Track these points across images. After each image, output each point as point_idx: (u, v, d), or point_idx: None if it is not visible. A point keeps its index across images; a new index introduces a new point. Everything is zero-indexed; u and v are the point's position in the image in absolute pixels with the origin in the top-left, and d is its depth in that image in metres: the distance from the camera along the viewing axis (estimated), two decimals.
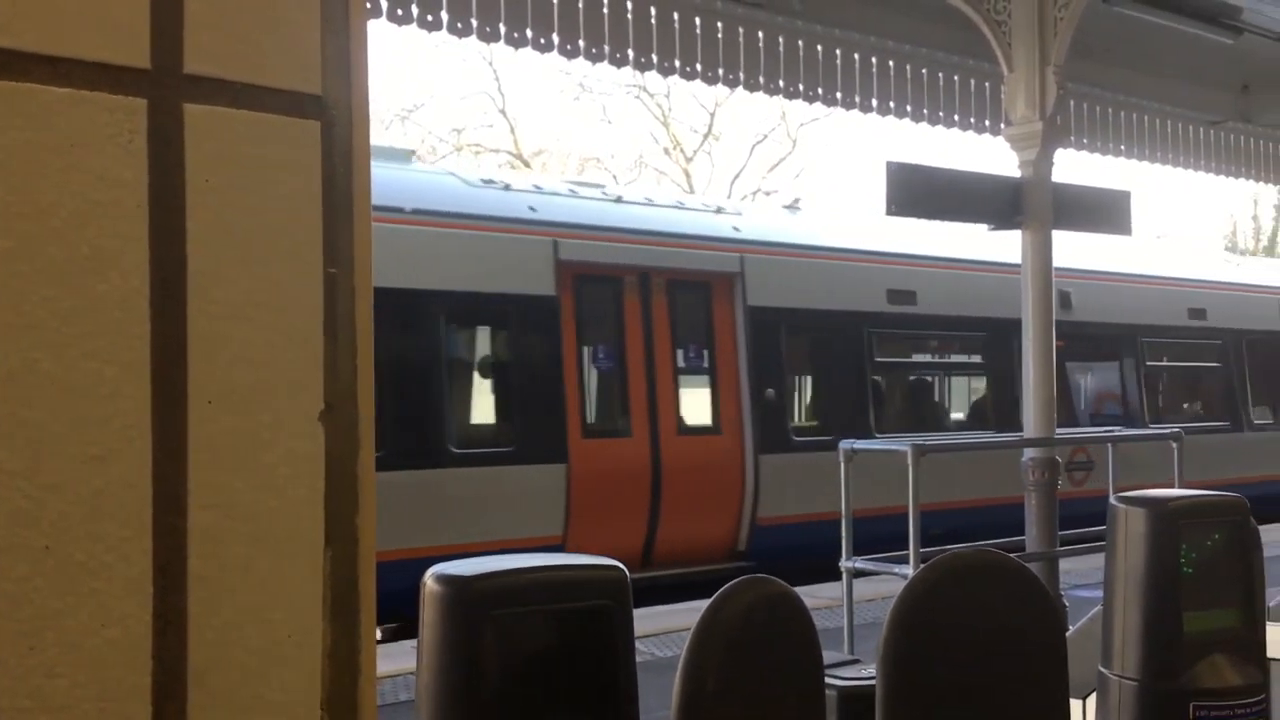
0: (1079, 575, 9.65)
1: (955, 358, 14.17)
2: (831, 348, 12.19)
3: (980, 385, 13.97)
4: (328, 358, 0.90)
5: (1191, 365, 16.23)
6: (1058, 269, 11.08)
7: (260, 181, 0.88)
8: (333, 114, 0.91)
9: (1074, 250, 13.60)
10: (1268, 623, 2.99)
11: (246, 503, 0.86)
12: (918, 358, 13.82)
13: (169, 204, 0.84)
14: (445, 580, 1.61)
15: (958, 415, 14.01)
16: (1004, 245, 9.96)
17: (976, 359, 13.83)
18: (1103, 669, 2.93)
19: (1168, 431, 9.10)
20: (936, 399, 14.00)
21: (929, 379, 14.02)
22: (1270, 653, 2.94)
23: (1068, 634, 3.31)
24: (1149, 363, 15.07)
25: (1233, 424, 15.62)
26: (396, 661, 6.45)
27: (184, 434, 0.84)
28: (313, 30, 0.90)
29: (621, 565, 1.71)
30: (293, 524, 0.88)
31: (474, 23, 6.72)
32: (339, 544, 0.91)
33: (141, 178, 0.83)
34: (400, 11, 6.49)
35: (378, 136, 27.34)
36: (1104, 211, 8.58)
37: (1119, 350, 14.74)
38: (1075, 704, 3.25)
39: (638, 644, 1.79)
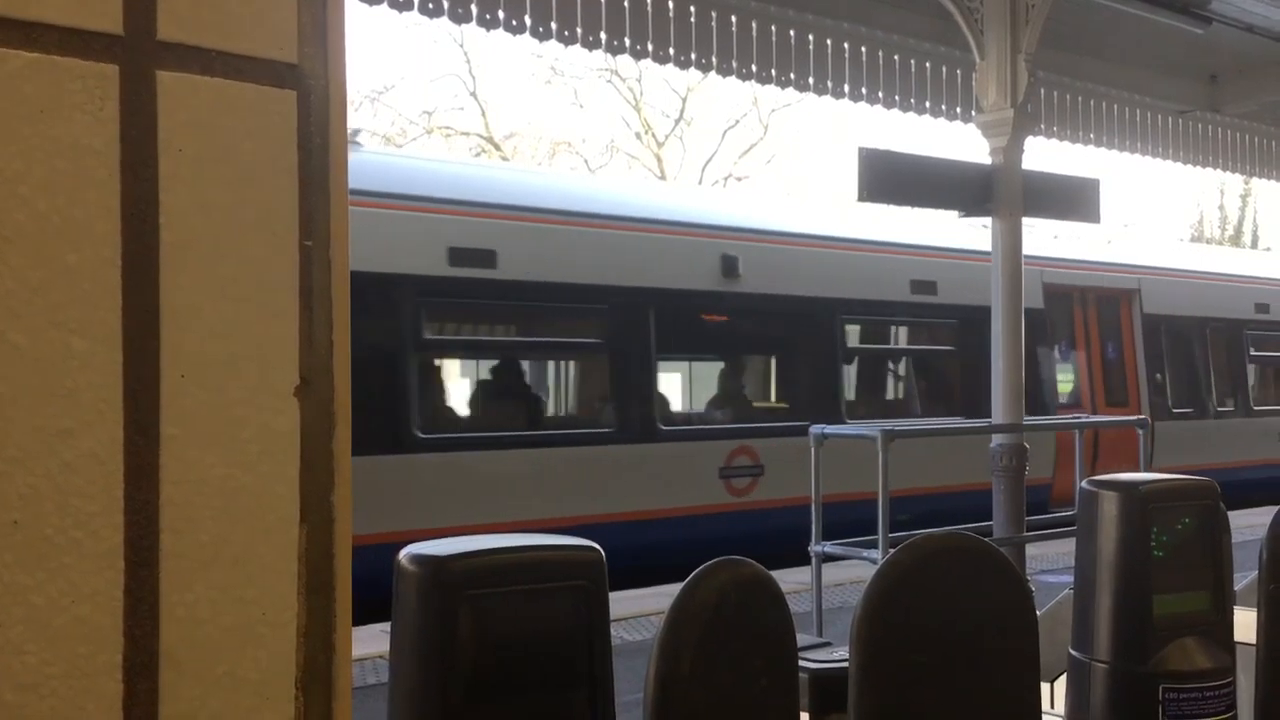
0: (1045, 560, 9.73)
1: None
2: None
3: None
4: (303, 332, 0.89)
5: (913, 349, 13.38)
6: (725, 227, 10.71)
7: (235, 151, 0.86)
8: (309, 83, 0.89)
9: (754, 206, 12.78)
10: (1235, 607, 3.02)
11: (219, 478, 0.85)
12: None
13: (141, 173, 0.82)
14: (420, 560, 1.60)
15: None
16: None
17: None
18: (1073, 651, 2.95)
19: (1135, 419, 9.18)
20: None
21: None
22: (1237, 636, 2.97)
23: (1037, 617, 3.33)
24: (850, 345, 12.35)
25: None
26: (368, 644, 6.43)
27: (156, 408, 0.82)
28: None
29: (598, 546, 1.70)
30: (267, 500, 0.87)
31: (445, 4, 6.68)
32: (314, 521, 0.90)
33: (113, 146, 0.81)
34: None
35: (349, 118, 27.13)
36: (1073, 199, 8.63)
37: (809, 330, 11.61)
38: (1044, 686, 3.27)
39: (610, 624, 1.79)
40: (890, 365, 13.30)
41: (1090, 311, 14.55)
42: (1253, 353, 16.27)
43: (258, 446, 0.86)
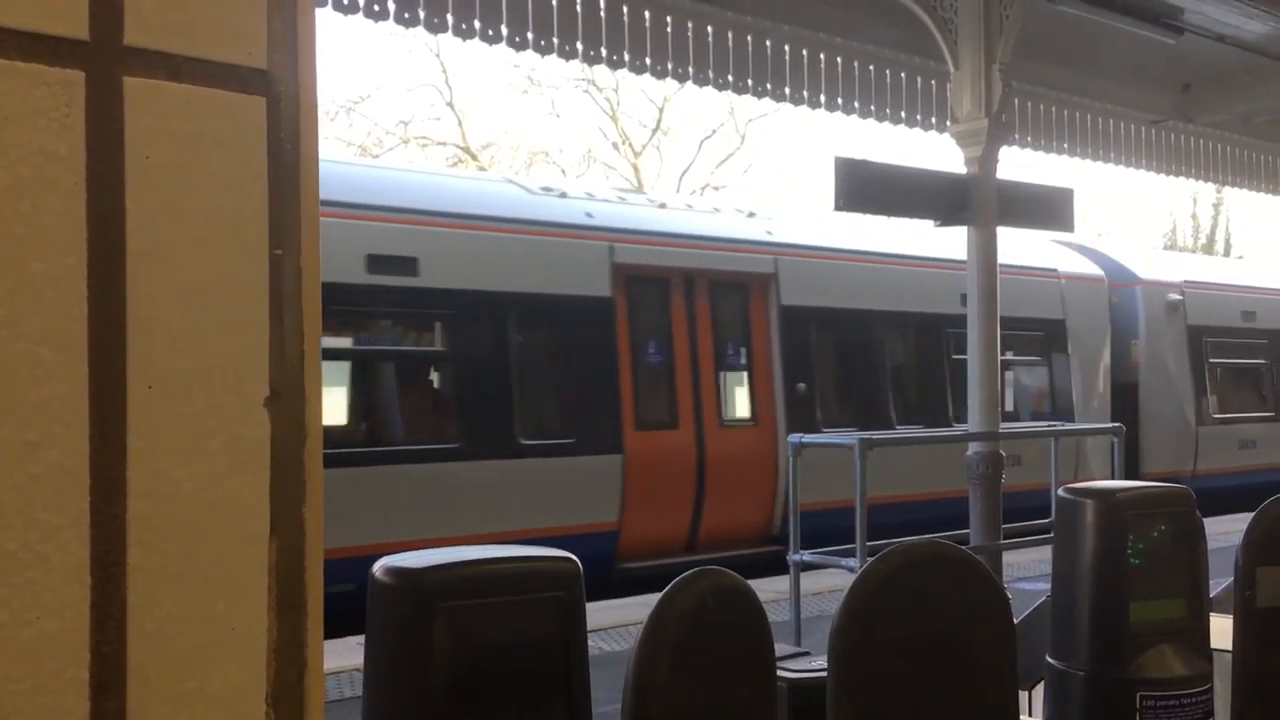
0: (1020, 568, 9.75)
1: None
2: None
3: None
4: (274, 342, 0.87)
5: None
6: (396, 210, 9.67)
7: (203, 158, 0.85)
8: (279, 90, 0.88)
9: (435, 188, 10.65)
10: (1211, 613, 3.03)
11: (188, 491, 0.84)
12: None
13: (108, 181, 0.81)
14: (394, 572, 1.58)
15: None
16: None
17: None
18: (1051, 659, 2.95)
19: (1110, 426, 9.22)
20: None
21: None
22: (1214, 643, 2.98)
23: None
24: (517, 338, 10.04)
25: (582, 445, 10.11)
26: (342, 658, 6.39)
27: (123, 419, 0.81)
28: (259, 3, 0.88)
29: (574, 557, 1.69)
30: (237, 513, 0.86)
31: (421, 14, 6.67)
32: (285, 535, 0.88)
33: (79, 153, 0.80)
34: (346, 0, 6.42)
35: (323, 128, 27.07)
36: (1047, 208, 8.67)
37: (475, 330, 9.85)
38: (1022, 694, 3.27)
39: (587, 634, 1.77)
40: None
41: (700, 303, 11.07)
42: (956, 356, 12.04)
43: (227, 459, 0.85)
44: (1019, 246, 13.17)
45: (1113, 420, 12.20)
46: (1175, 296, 15.57)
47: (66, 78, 0.79)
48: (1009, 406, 13.49)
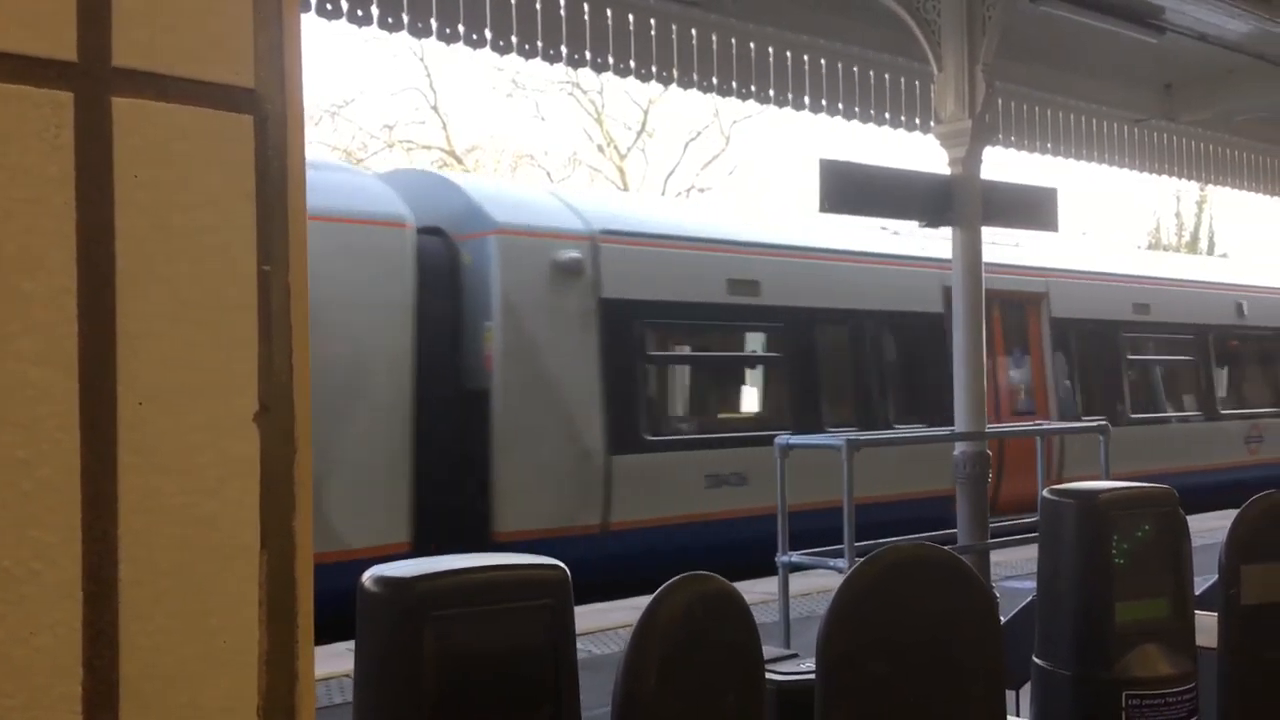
0: (1009, 566, 9.79)
1: None
2: None
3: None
4: (262, 358, 0.88)
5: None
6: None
7: (192, 177, 0.86)
8: (266, 108, 0.89)
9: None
10: (1196, 612, 3.06)
11: (179, 506, 0.84)
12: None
13: (97, 200, 0.82)
14: (383, 581, 1.59)
15: None
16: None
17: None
18: (1037, 659, 2.97)
19: (1096, 425, 9.27)
20: None
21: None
22: (1199, 641, 3.00)
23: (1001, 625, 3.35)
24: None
25: None
26: (332, 664, 6.39)
27: (114, 436, 0.82)
28: (245, 23, 0.88)
29: (562, 565, 1.70)
30: (227, 527, 0.87)
31: (405, 18, 6.67)
32: (275, 547, 0.89)
33: (69, 173, 0.81)
34: (330, 5, 6.42)
35: (308, 133, 27.02)
36: (1032, 208, 8.70)
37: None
38: (1009, 695, 3.29)
39: (577, 642, 1.78)
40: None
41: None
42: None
43: (217, 473, 0.86)
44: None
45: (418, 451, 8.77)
46: (573, 254, 9.84)
47: (56, 99, 0.80)
48: None
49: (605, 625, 7.70)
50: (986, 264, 12.34)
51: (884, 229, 12.94)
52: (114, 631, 0.82)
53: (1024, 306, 13.95)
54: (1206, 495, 12.56)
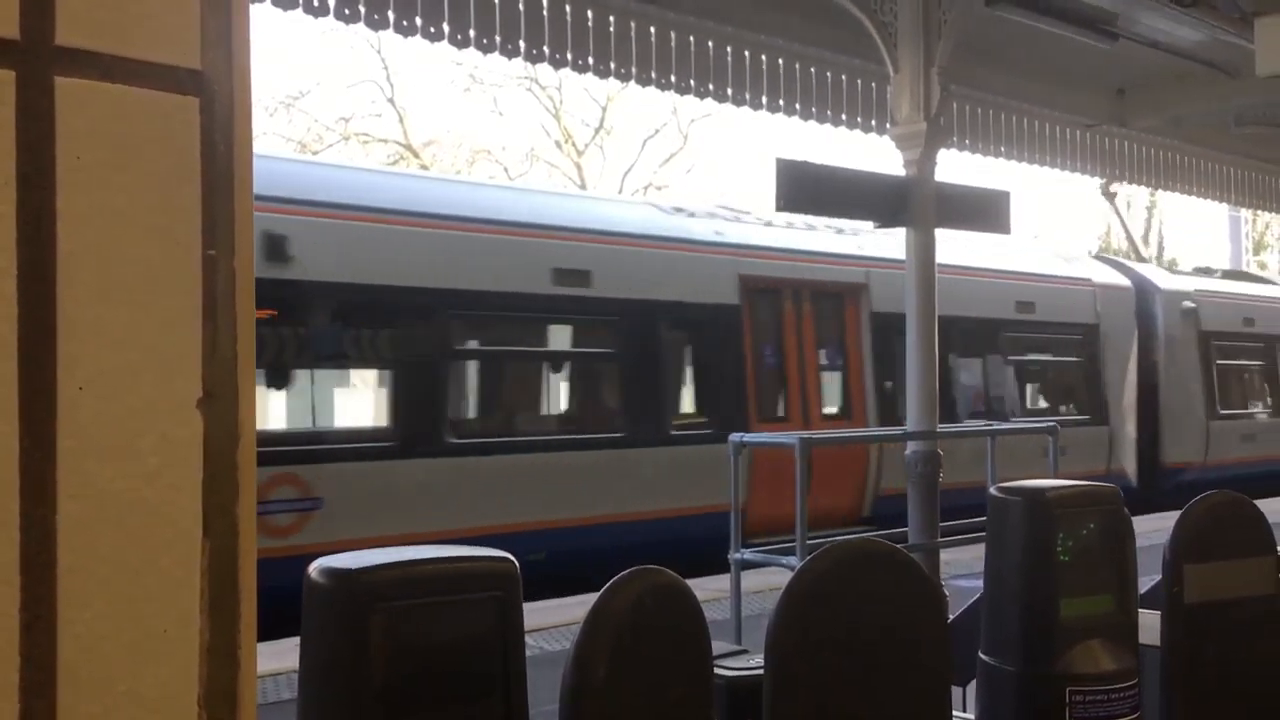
0: (960, 565, 9.87)
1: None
2: None
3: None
4: (206, 342, 0.87)
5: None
6: None
7: (135, 159, 0.84)
8: (213, 90, 0.88)
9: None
10: (1140, 609, 3.10)
11: (119, 492, 0.83)
12: None
13: (38, 181, 0.80)
14: (329, 573, 1.58)
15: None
16: None
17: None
18: (983, 655, 3.00)
19: (1045, 426, 9.36)
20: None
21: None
22: (1142, 638, 3.04)
23: (948, 621, 3.38)
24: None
25: None
26: (281, 659, 6.34)
27: (52, 420, 0.81)
28: (193, 3, 0.87)
29: (511, 557, 1.69)
30: (168, 515, 0.86)
31: (362, 10, 6.62)
32: (218, 535, 0.88)
33: (9, 153, 0.79)
34: None
35: (263, 124, 26.82)
36: (985, 210, 8.77)
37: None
38: (955, 691, 3.32)
39: (526, 638, 1.78)
40: None
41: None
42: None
43: (158, 459, 0.85)
44: None
45: None
46: None
47: None
48: None
49: (559, 621, 7.69)
50: (797, 251, 11.90)
51: (679, 210, 11.97)
52: (51, 619, 0.81)
53: (841, 299, 12.70)
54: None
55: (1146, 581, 3.64)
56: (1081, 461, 13.18)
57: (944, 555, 8.40)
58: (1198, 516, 3.07)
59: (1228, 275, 20.48)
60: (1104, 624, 2.94)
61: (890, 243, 13.24)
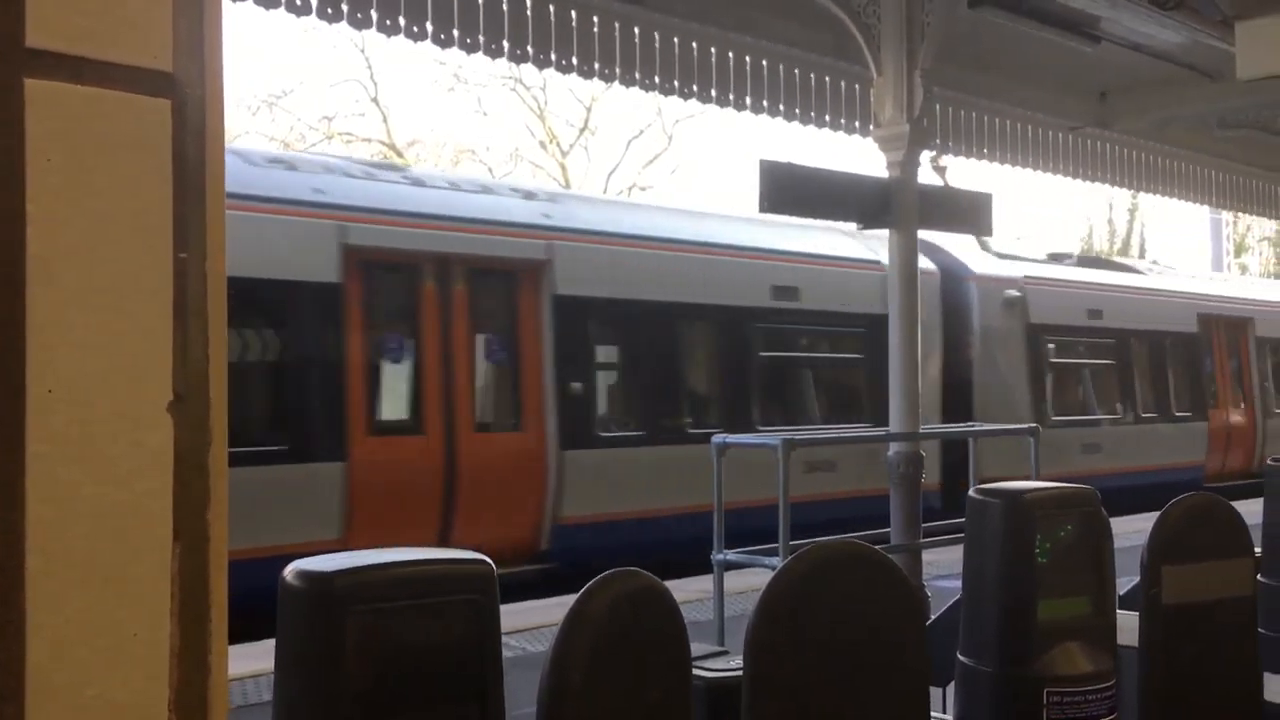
0: (942, 566, 9.89)
1: None
2: None
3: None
4: (177, 346, 0.87)
5: None
6: None
7: (106, 161, 0.84)
8: (185, 92, 0.88)
9: None
10: (1118, 610, 3.11)
11: (89, 496, 0.83)
12: None
13: (7, 184, 0.80)
14: (304, 576, 1.57)
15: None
16: None
17: None
18: (961, 657, 3.01)
19: (1026, 427, 9.38)
20: None
21: None
22: (1120, 640, 3.05)
23: (928, 623, 3.39)
24: None
25: None
26: (255, 662, 6.31)
27: (21, 424, 0.80)
28: (164, 6, 0.87)
29: (488, 560, 1.69)
30: (139, 519, 0.85)
31: (345, 8, 6.60)
32: (188, 540, 0.88)
33: None
34: None
35: (244, 123, 26.72)
36: (967, 212, 8.81)
37: None
38: (935, 692, 3.33)
39: (508, 639, 1.77)
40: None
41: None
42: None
43: (129, 464, 0.85)
44: None
45: None
46: None
47: None
48: None
49: (541, 623, 7.68)
50: (440, 218, 9.48)
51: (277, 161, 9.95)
52: (21, 623, 0.80)
53: (512, 278, 10.26)
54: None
55: (1125, 582, 3.66)
56: (873, 479, 9.76)
57: (927, 556, 8.42)
58: (1176, 518, 3.08)
59: (1084, 261, 17.97)
60: (1082, 625, 2.95)
61: (587, 211, 11.34)
